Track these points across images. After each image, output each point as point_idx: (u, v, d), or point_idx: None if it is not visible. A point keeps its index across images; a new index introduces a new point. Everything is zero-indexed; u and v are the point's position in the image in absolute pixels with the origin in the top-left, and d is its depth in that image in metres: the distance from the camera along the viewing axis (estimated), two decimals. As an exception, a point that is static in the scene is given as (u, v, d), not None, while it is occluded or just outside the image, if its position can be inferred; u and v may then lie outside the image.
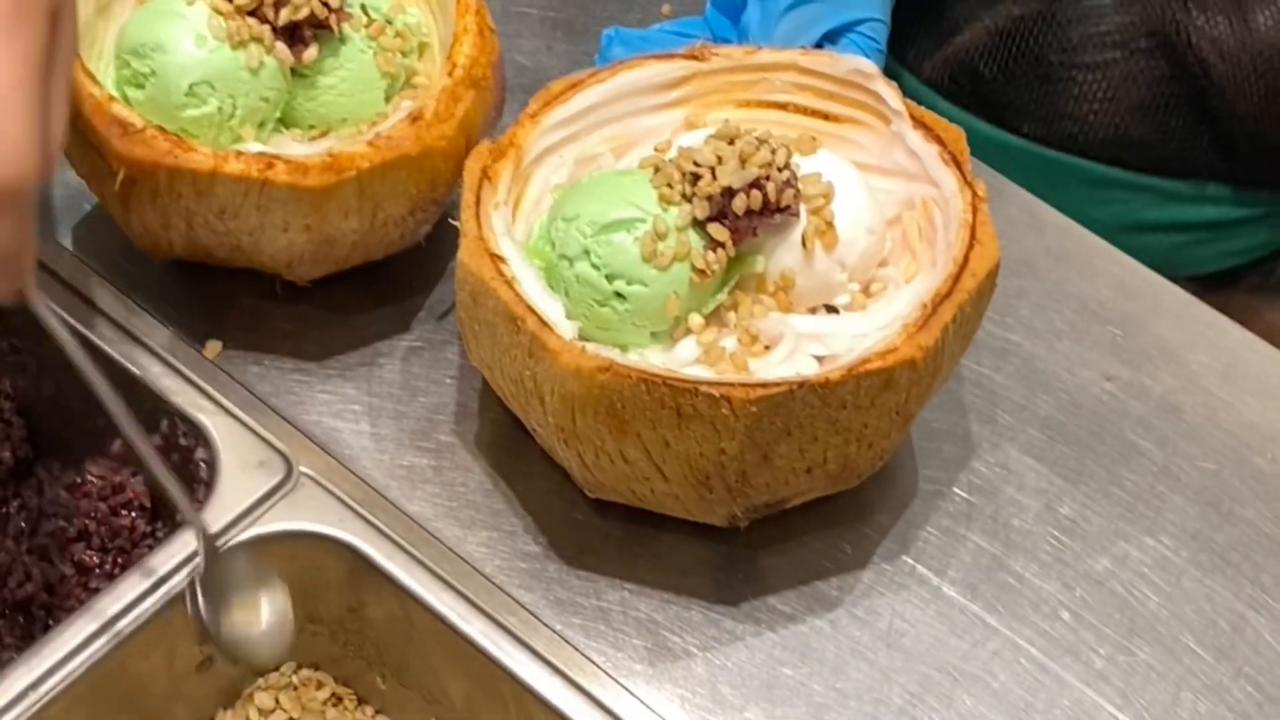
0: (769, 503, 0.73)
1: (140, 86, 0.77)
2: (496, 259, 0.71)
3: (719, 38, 0.90)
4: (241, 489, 0.75)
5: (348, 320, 0.82)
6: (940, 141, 0.77)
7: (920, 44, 1.06)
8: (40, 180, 0.64)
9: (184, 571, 0.72)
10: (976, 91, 1.03)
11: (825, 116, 0.79)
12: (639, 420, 0.68)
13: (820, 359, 0.72)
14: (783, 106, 0.79)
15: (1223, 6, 0.99)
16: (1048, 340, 0.84)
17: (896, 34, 1.13)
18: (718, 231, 0.72)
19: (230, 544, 0.73)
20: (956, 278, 0.72)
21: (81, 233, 0.83)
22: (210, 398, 0.78)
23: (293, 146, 0.79)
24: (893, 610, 0.75)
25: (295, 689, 0.78)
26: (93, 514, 0.80)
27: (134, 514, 0.81)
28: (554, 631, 0.73)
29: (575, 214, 0.72)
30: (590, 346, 0.69)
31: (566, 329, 0.70)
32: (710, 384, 0.68)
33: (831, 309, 0.75)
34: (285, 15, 0.77)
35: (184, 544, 0.73)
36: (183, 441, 0.78)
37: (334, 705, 0.78)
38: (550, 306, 0.71)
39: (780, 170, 0.72)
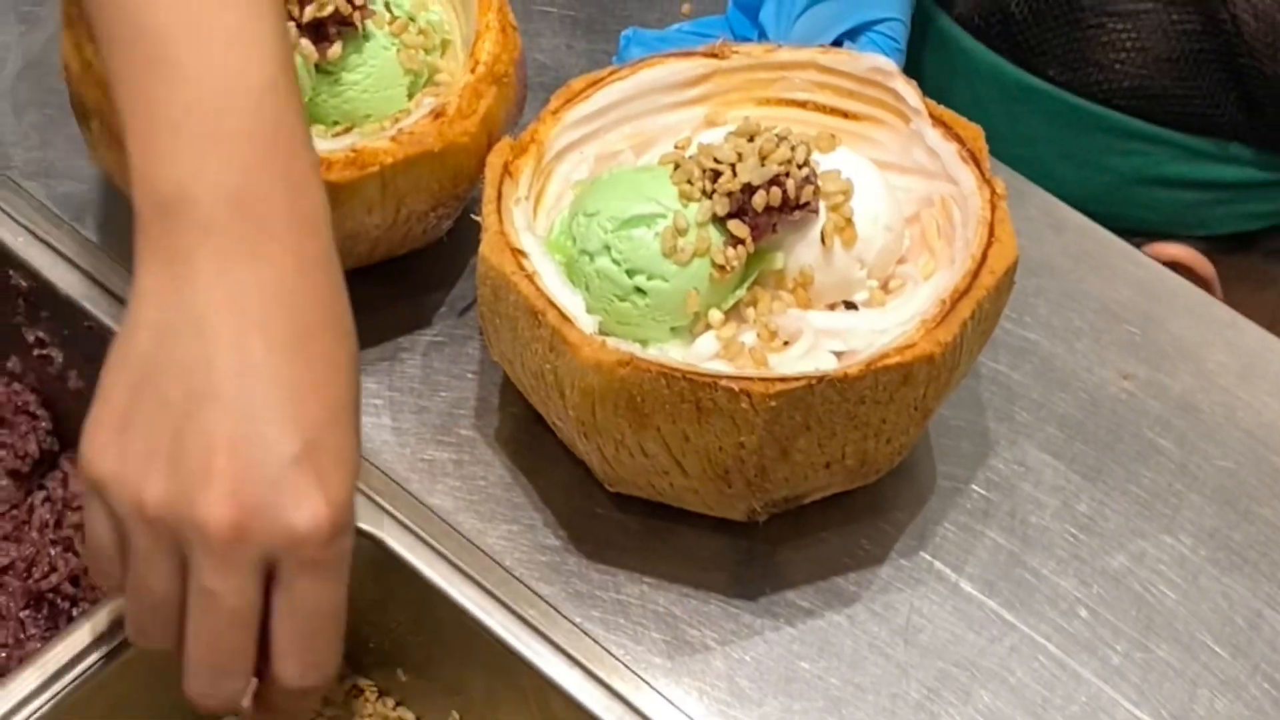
0: (788, 497, 0.74)
1: (167, 82, 0.77)
2: (518, 253, 0.72)
3: (739, 36, 0.91)
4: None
5: (370, 315, 0.81)
6: (959, 139, 0.77)
7: None
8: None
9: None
10: (1006, 32, 1.03)
11: (844, 115, 0.80)
12: (659, 414, 0.69)
13: (839, 355, 0.73)
14: (802, 104, 0.80)
15: None
16: (1066, 339, 0.85)
17: None
18: (737, 228, 0.72)
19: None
20: (975, 274, 0.72)
21: (108, 227, 0.84)
22: (234, 391, 0.78)
23: (317, 142, 0.79)
24: (910, 606, 0.76)
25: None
26: (117, 506, 0.81)
27: (158, 506, 0.81)
28: (574, 624, 0.74)
29: (596, 209, 0.73)
30: (610, 341, 0.70)
31: (587, 323, 0.71)
32: (730, 378, 0.68)
33: (850, 305, 0.75)
34: (310, 12, 0.78)
35: (207, 535, 0.74)
36: (206, 434, 0.78)
37: (355, 697, 0.79)
38: (571, 301, 0.71)
39: (800, 167, 0.73)
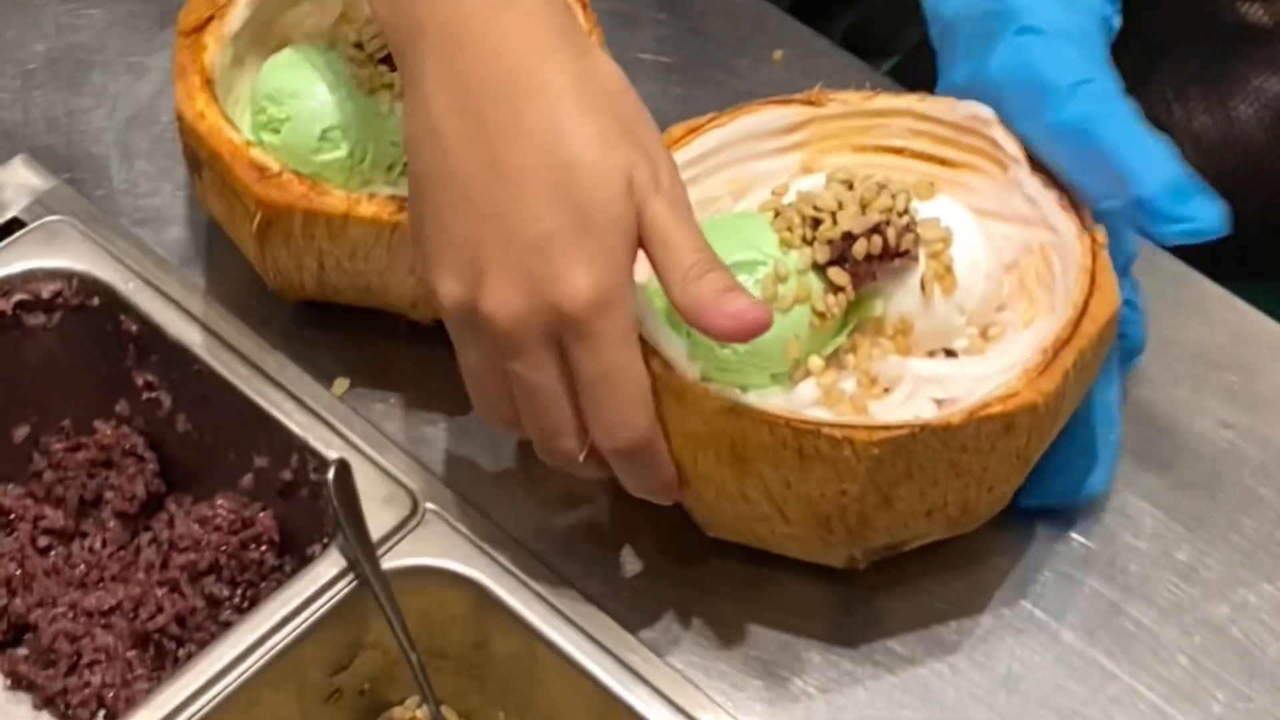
0: (888, 545, 0.74)
1: (276, 131, 0.79)
2: None
3: None
4: (369, 523, 0.76)
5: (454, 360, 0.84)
6: (1058, 187, 0.77)
7: None
8: None
9: (315, 605, 0.74)
10: None
11: (942, 162, 0.79)
12: (761, 461, 0.69)
13: (939, 402, 0.73)
14: (899, 151, 0.80)
15: (1205, 100, 0.99)
16: (1165, 387, 0.85)
17: None
18: (838, 275, 0.72)
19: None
20: (1077, 323, 0.72)
21: (215, 274, 0.85)
22: (339, 434, 0.80)
23: (380, 186, 0.80)
24: (1011, 654, 0.75)
25: (419, 723, 0.79)
26: (223, 547, 0.82)
27: (264, 548, 0.82)
28: (675, 670, 0.74)
29: None
30: (713, 387, 0.70)
31: (689, 369, 0.71)
32: (833, 425, 0.68)
33: (950, 353, 0.75)
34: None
35: (314, 578, 0.75)
36: (313, 476, 0.80)
37: (456, 739, 0.80)
38: (672, 347, 0.72)
39: (900, 215, 0.73)
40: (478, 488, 0.79)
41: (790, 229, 0.73)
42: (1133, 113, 0.72)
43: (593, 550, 0.78)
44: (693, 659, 0.75)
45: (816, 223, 0.73)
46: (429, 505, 0.78)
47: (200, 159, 0.79)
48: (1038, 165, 0.78)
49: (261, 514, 0.82)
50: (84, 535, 0.86)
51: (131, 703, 0.78)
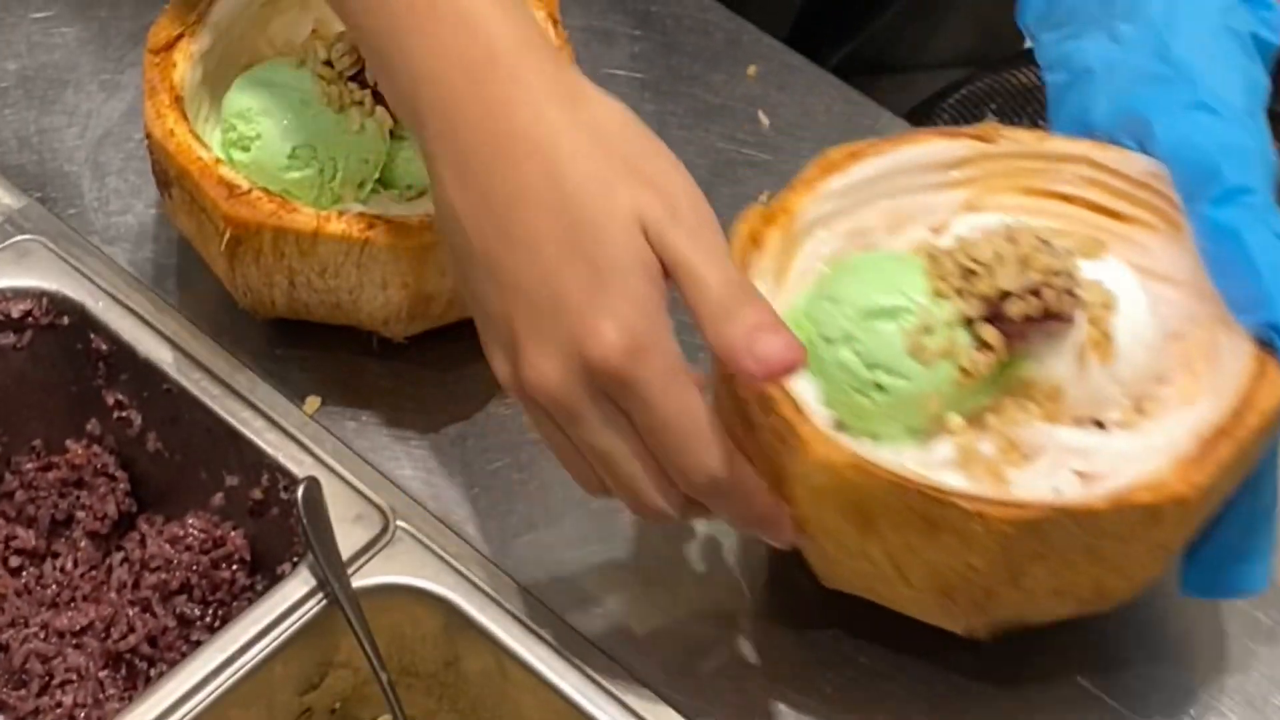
0: (1011, 621, 0.70)
1: (245, 149, 0.79)
2: None
3: None
4: (339, 542, 0.76)
5: (443, 376, 0.84)
6: None
7: None
8: None
9: (284, 624, 0.74)
10: None
11: (1114, 215, 0.74)
12: (885, 521, 0.66)
13: (1081, 475, 0.69)
14: (1069, 199, 0.75)
15: None
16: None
17: None
18: (989, 333, 0.68)
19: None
20: (1239, 413, 0.67)
21: (186, 292, 0.85)
22: (310, 452, 0.79)
23: (391, 206, 0.80)
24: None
25: (391, 741, 0.79)
26: (194, 566, 0.82)
27: (235, 567, 0.82)
28: (646, 686, 0.74)
29: (841, 295, 0.69)
30: (842, 440, 0.67)
31: (821, 416, 0.68)
32: (966, 497, 0.65)
33: (1099, 424, 0.70)
34: (386, 80, 0.79)
35: (284, 597, 0.75)
36: (283, 495, 0.79)
37: (429, 757, 0.80)
38: (806, 390, 0.68)
39: (1061, 277, 0.68)
40: (449, 506, 0.79)
41: (943, 278, 0.69)
42: None
43: (564, 566, 0.78)
44: (661, 676, 0.74)
45: (971, 275, 0.68)
46: (400, 523, 0.77)
47: (170, 177, 0.79)
48: None
49: (232, 533, 0.82)
50: (55, 555, 0.85)
51: (105, 723, 0.78)
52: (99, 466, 0.85)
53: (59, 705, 0.81)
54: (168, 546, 0.82)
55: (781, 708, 0.74)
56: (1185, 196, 0.71)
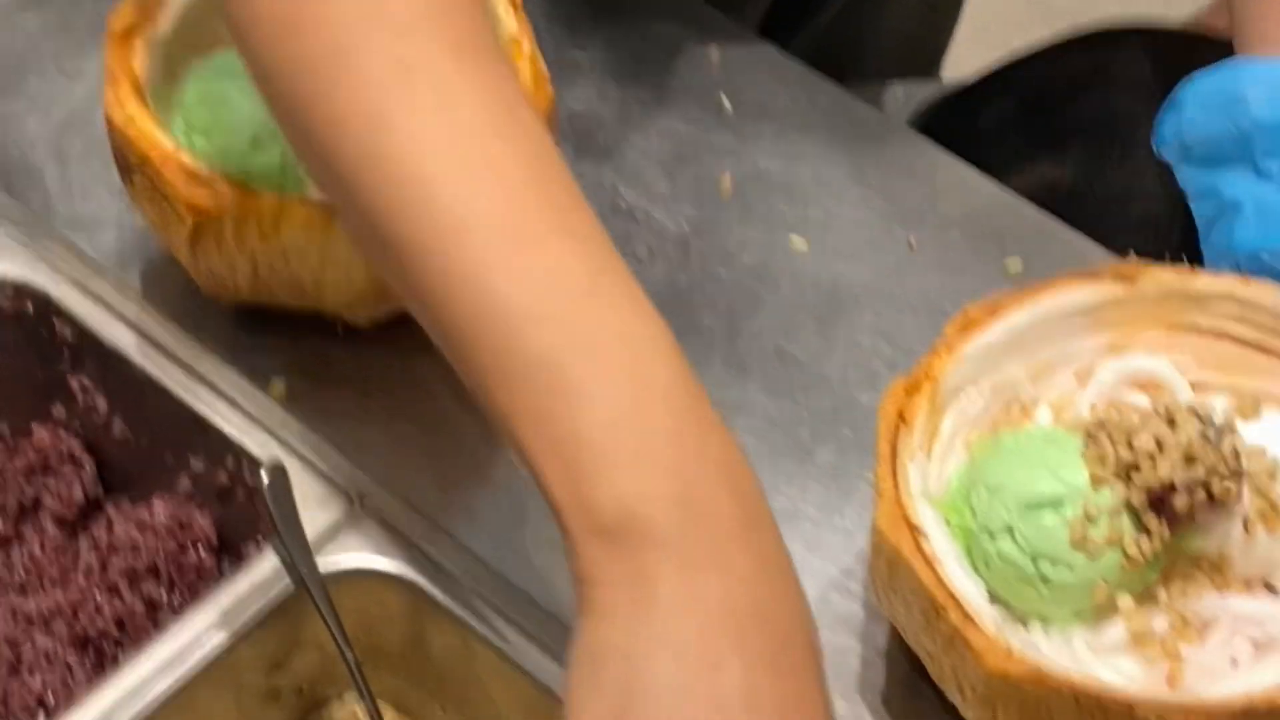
0: None
1: (207, 136, 0.79)
2: (915, 530, 0.68)
3: None
4: (305, 525, 0.77)
5: (407, 361, 0.84)
6: None
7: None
8: None
9: (251, 605, 0.75)
10: None
11: (1264, 350, 0.74)
12: None
13: (1256, 642, 0.69)
14: (1218, 335, 0.75)
15: None
16: None
17: None
18: (1153, 522, 0.68)
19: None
20: None
21: (149, 278, 0.86)
22: (275, 436, 0.80)
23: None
24: None
25: (358, 720, 0.80)
26: (161, 550, 0.82)
27: (201, 551, 0.83)
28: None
29: (999, 484, 0.69)
30: (1014, 641, 0.66)
31: (990, 617, 0.67)
32: (1149, 704, 0.64)
33: (1270, 587, 0.70)
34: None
35: (250, 579, 0.75)
36: (249, 479, 0.80)
37: (397, 736, 0.81)
38: (973, 592, 0.68)
39: (1227, 462, 0.68)
40: (414, 488, 0.80)
41: (1103, 462, 0.68)
42: None
43: (533, 548, 0.78)
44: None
45: (1133, 465, 0.68)
46: (365, 506, 0.78)
47: (131, 163, 0.79)
48: None
49: (199, 517, 0.83)
50: (23, 540, 0.86)
51: (74, 704, 0.78)
52: (65, 452, 0.86)
53: (28, 688, 0.81)
54: (134, 530, 0.83)
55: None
56: None
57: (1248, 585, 0.70)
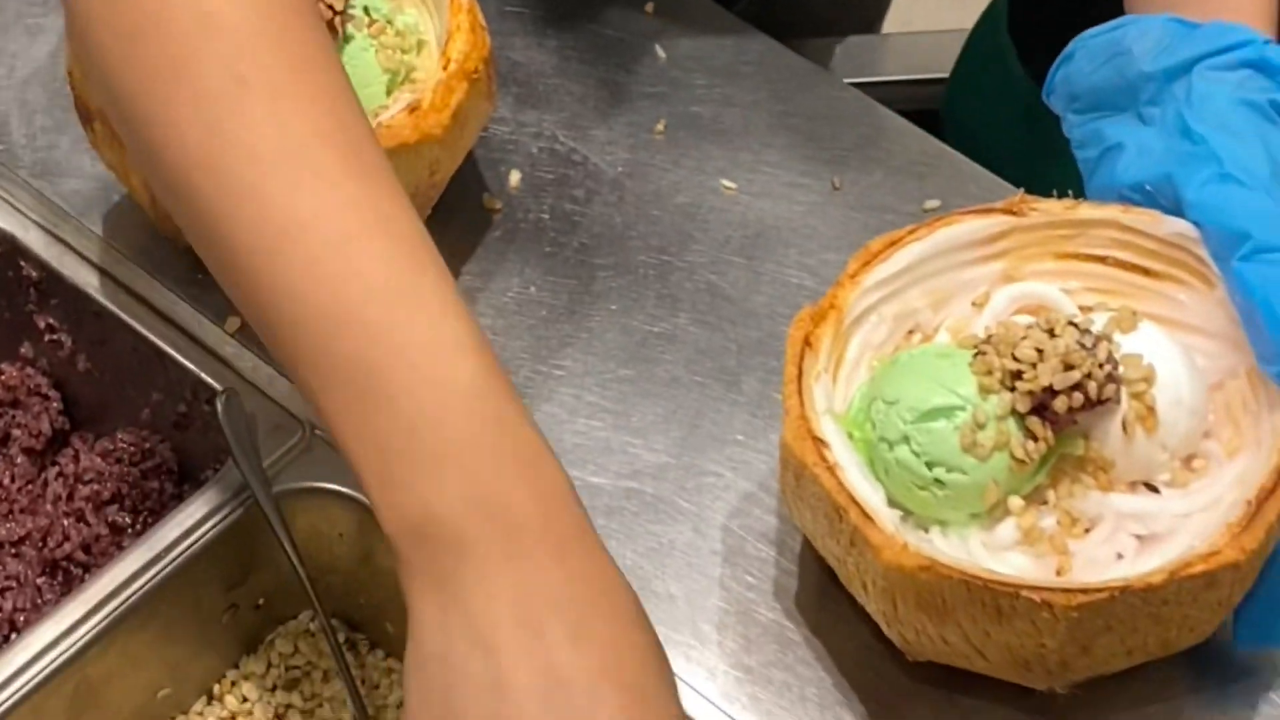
0: (1087, 677, 0.73)
1: (162, 84, 0.83)
2: (819, 443, 0.72)
3: None
4: (260, 450, 0.81)
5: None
6: None
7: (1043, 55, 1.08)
8: None
9: (208, 524, 0.79)
10: None
11: (1145, 272, 0.78)
12: (959, 612, 0.70)
13: (1140, 538, 0.73)
14: (1102, 260, 0.78)
15: None
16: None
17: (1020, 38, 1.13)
18: (1037, 425, 0.72)
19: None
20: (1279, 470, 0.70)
21: (111, 220, 0.90)
22: (230, 367, 0.84)
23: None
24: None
25: (312, 635, 0.84)
26: (125, 478, 0.87)
27: (163, 478, 0.87)
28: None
29: (895, 397, 0.73)
30: (911, 540, 0.70)
31: (888, 518, 0.71)
32: (1031, 588, 0.68)
33: (1151, 486, 0.74)
34: (294, 17, 0.84)
35: (207, 500, 0.80)
36: (206, 408, 0.84)
37: (349, 649, 0.85)
38: (872, 496, 0.72)
39: (1102, 366, 0.72)
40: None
41: (990, 373, 0.72)
42: None
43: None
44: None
45: (1017, 373, 0.72)
46: (317, 432, 0.82)
47: (91, 112, 0.83)
48: None
49: (160, 445, 0.87)
50: (-7, 471, 0.90)
51: (42, 618, 0.83)
52: (33, 387, 0.90)
53: None
54: (99, 460, 0.87)
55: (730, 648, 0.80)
56: (1217, 258, 0.74)
57: (1132, 488, 0.74)
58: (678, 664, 0.76)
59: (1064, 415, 0.72)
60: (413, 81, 0.87)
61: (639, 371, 0.87)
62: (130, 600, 0.77)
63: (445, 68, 0.85)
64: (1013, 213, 0.78)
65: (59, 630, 0.76)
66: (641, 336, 0.89)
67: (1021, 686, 0.74)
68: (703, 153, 0.97)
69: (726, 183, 0.95)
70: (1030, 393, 0.71)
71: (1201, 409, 0.74)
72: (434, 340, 0.63)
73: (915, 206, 0.95)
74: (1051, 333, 0.72)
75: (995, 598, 0.68)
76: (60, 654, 0.75)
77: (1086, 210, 0.78)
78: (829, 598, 0.79)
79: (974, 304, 0.78)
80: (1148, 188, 0.76)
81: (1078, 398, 0.71)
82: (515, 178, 0.94)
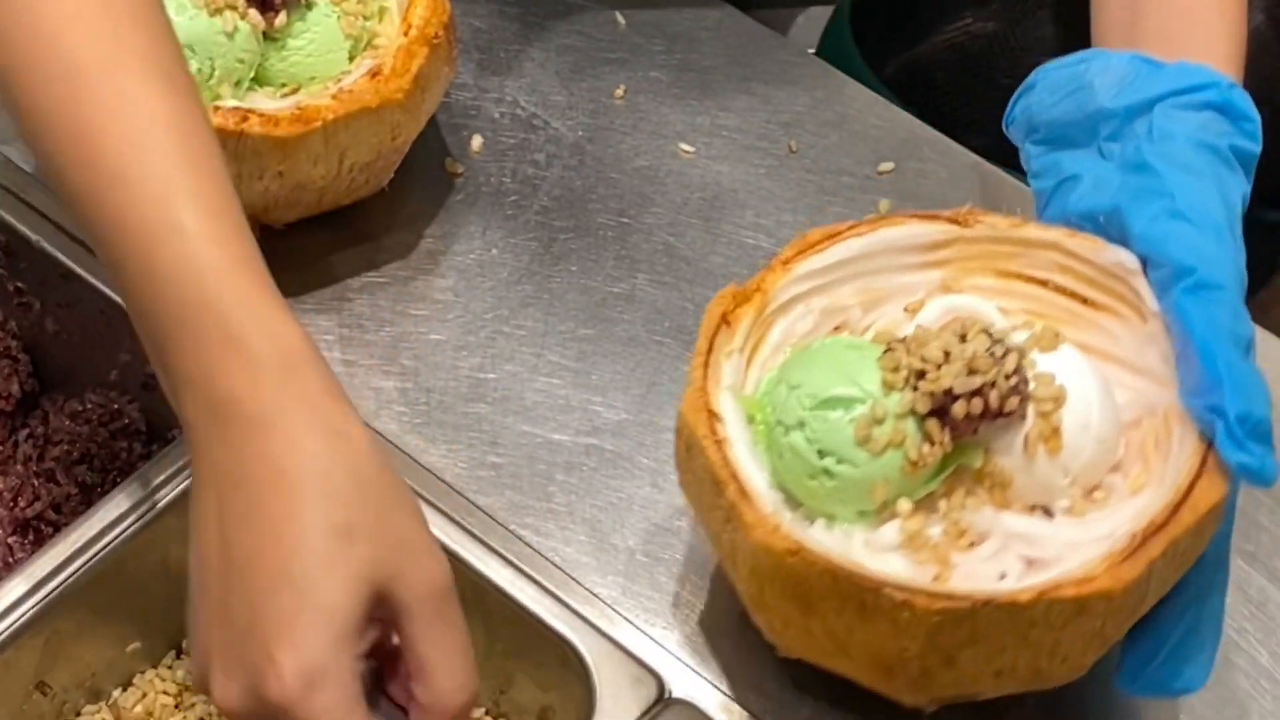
0: (956, 696, 0.72)
1: (127, 50, 0.85)
2: (713, 416, 0.72)
3: None
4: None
5: (320, 260, 0.90)
6: None
7: (885, 45, 1.10)
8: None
9: (175, 481, 0.81)
10: (930, 100, 1.06)
11: (1084, 300, 0.76)
12: (824, 604, 0.69)
13: (1029, 561, 0.70)
14: (1042, 283, 0.77)
15: None
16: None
17: (862, 32, 1.18)
18: (934, 428, 0.70)
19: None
20: (1175, 508, 0.68)
21: (77, 185, 0.92)
22: (196, 330, 0.86)
23: (266, 103, 0.87)
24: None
25: (279, 590, 0.86)
26: (94, 438, 0.88)
27: (131, 438, 0.89)
28: (508, 530, 0.81)
29: (799, 382, 0.72)
30: (785, 523, 0.69)
31: (767, 500, 0.70)
32: (894, 586, 0.67)
33: (1048, 511, 0.72)
34: (257, -15, 0.85)
35: (175, 458, 0.81)
36: (172, 369, 0.86)
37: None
38: (755, 475, 0.71)
39: (1008, 377, 0.70)
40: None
41: (895, 369, 0.71)
42: (1246, 337, 0.71)
43: (434, 430, 0.84)
44: (509, 510, 0.82)
45: (921, 372, 0.70)
46: (282, 391, 0.84)
47: (57, 77, 0.85)
48: None
49: (129, 406, 0.89)
50: (-35, 434, 0.92)
51: (12, 572, 0.84)
52: (3, 349, 0.91)
53: (-28, 569, 0.88)
54: (68, 421, 0.89)
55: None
56: (1159, 290, 0.73)
57: (1028, 510, 0.72)
58: (637, 616, 0.79)
59: (963, 422, 0.70)
60: (375, 48, 0.89)
61: (598, 331, 0.89)
62: (99, 555, 0.78)
63: (406, 33, 0.87)
64: (958, 222, 0.77)
65: (28, 585, 0.77)
66: (601, 297, 0.91)
67: (893, 705, 0.72)
68: (661, 117, 0.98)
69: (684, 146, 0.97)
70: (931, 393, 0.70)
71: (1110, 440, 0.72)
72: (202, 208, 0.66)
73: (870, 169, 0.97)
74: (964, 337, 0.71)
75: (859, 591, 0.67)
76: (30, 609, 0.77)
77: (1032, 230, 0.77)
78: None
79: (907, 309, 0.77)
80: (1099, 218, 0.76)
81: (977, 404, 0.69)
82: (477, 142, 0.96)
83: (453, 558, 0.79)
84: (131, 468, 0.89)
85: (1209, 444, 0.69)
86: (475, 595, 0.80)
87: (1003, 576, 0.70)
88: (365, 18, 0.88)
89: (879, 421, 0.70)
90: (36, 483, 0.89)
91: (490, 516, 0.82)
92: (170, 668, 0.84)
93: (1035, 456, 0.71)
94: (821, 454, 0.71)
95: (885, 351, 0.71)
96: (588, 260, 0.92)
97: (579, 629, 0.78)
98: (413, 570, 0.64)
